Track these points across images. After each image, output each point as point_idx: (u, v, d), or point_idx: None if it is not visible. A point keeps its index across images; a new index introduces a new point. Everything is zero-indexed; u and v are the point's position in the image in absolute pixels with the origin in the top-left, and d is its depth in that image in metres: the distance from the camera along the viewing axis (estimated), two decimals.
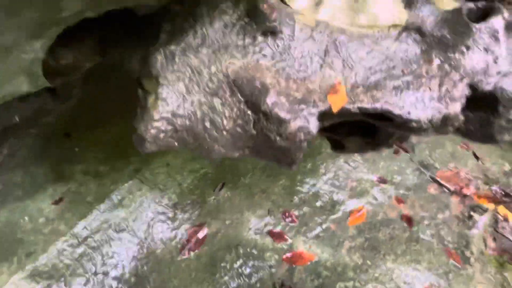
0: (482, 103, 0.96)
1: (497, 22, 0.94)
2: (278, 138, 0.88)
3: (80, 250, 2.10)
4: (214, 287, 2.14)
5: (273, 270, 2.25)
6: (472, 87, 0.93)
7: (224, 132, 0.92)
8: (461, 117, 0.97)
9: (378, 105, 0.91)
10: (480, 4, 1.01)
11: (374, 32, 1.05)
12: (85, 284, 2.04)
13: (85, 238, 2.12)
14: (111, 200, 2.29)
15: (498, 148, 3.14)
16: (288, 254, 2.30)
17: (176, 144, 0.99)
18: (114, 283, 2.10)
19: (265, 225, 2.47)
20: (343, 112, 0.92)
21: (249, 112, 0.88)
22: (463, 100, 0.93)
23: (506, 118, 0.93)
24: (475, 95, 0.94)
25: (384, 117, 0.96)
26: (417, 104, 0.93)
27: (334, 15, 1.07)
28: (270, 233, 2.41)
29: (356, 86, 0.98)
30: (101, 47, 1.16)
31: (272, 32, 1.00)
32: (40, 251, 1.98)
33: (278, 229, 2.46)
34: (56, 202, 2.11)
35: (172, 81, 0.94)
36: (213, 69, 0.96)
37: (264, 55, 1.01)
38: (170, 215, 2.41)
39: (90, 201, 2.21)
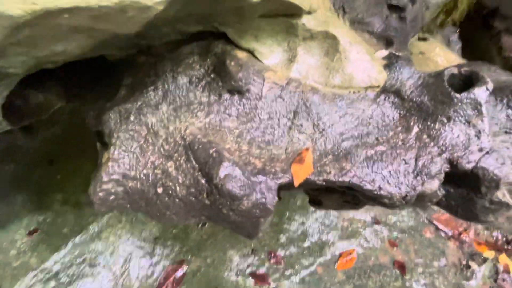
0: (463, 180, 0.86)
1: (480, 93, 0.86)
2: (231, 213, 0.79)
3: (50, 285, 2.00)
4: None
5: None
6: (452, 163, 0.84)
7: (177, 200, 0.84)
8: (439, 194, 0.88)
9: (346, 179, 0.82)
10: (463, 70, 0.93)
11: (350, 93, 0.98)
12: None
13: (56, 273, 2.02)
14: (88, 232, 2.21)
15: None
16: None
17: (128, 206, 0.91)
18: None
19: (248, 265, 2.34)
20: (307, 183, 0.83)
21: (202, 181, 0.80)
22: (442, 177, 0.84)
23: (489, 199, 0.83)
24: (455, 171, 0.85)
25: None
26: (390, 179, 0.84)
27: (308, 73, 1.00)
28: (253, 275, 2.28)
29: (325, 154, 0.89)
30: (65, 92, 1.11)
31: (238, 91, 0.94)
32: (7, 286, 1.89)
33: (262, 270, 2.33)
34: (30, 233, 2.04)
35: (125, 141, 0.87)
36: (171, 128, 0.89)
37: (229, 115, 0.94)
38: (149, 250, 2.31)
39: (66, 232, 2.13)
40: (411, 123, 0.93)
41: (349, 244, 2.54)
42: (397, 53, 1.05)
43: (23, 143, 1.69)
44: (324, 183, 0.84)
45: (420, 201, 0.86)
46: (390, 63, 0.99)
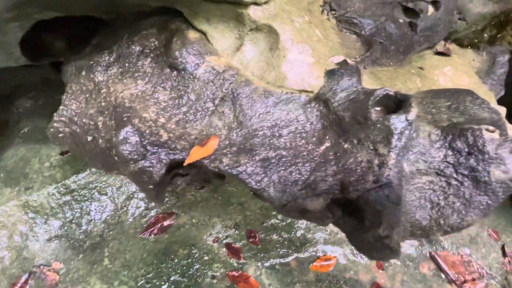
0: (352, 209, 0.81)
1: (395, 121, 0.77)
2: (126, 172, 0.90)
3: (65, 198, 2.44)
4: (156, 273, 2.28)
5: (214, 281, 2.28)
6: (342, 187, 0.80)
7: (98, 150, 0.98)
8: (329, 214, 0.84)
9: (234, 172, 0.85)
10: (399, 94, 0.83)
11: (282, 92, 0.97)
12: (59, 228, 2.37)
13: (72, 190, 2.45)
14: None
15: None
16: (235, 273, 2.29)
17: (75, 146, 1.09)
18: (82, 236, 2.39)
19: (227, 236, 2.49)
20: (201, 166, 0.89)
21: (114, 139, 0.92)
22: (328, 197, 0.81)
23: (373, 234, 0.77)
24: (343, 196, 0.80)
25: None
26: (277, 184, 0.85)
27: (249, 64, 1.02)
28: (228, 246, 2.43)
29: (232, 145, 0.93)
30: (69, 42, 1.32)
31: (176, 68, 1.01)
32: (36, 189, 2.37)
33: (237, 245, 2.46)
34: (62, 153, 2.49)
35: (75, 91, 1.03)
36: (112, 89, 1.02)
37: (164, 88, 1.02)
38: None
39: (87, 161, 2.53)
40: (326, 137, 0.89)
41: (333, 250, 2.48)
42: (351, 62, 0.98)
43: (54, 78, 2.04)
44: (215, 169, 0.88)
45: (304, 214, 0.85)
46: (331, 71, 0.93)
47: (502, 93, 1.61)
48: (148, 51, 1.05)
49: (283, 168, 0.86)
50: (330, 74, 0.93)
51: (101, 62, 1.03)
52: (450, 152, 0.84)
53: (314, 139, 0.90)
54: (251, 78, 1.00)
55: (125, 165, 0.87)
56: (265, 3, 0.97)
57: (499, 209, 2.70)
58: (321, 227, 2.53)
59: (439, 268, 2.38)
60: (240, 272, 2.30)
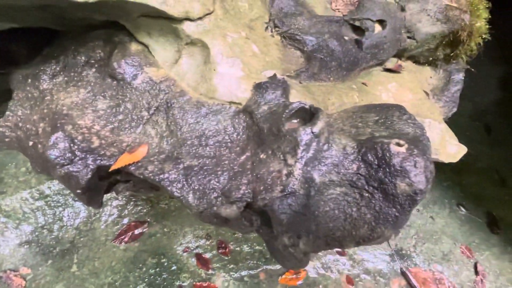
0: (267, 217, 0.84)
1: (301, 133, 0.81)
2: (55, 176, 0.94)
3: (39, 203, 2.46)
4: (123, 281, 2.28)
5: None
6: (254, 195, 0.82)
7: (37, 155, 1.02)
8: (246, 222, 0.86)
9: (157, 179, 0.88)
10: (312, 107, 0.87)
11: (213, 104, 1.01)
12: (30, 233, 2.39)
13: (46, 196, 2.48)
14: None
15: None
16: (203, 284, 2.29)
17: (20, 150, 1.13)
18: (52, 241, 2.41)
19: (197, 246, 2.49)
20: (128, 173, 0.92)
21: (45, 144, 0.96)
22: (241, 205, 0.83)
23: (280, 242, 0.79)
24: (254, 204, 0.83)
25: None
26: (196, 192, 0.88)
27: (185, 76, 1.06)
28: (197, 256, 2.43)
29: (161, 152, 0.96)
30: (28, 50, 1.38)
31: (115, 78, 1.06)
32: (10, 193, 2.40)
33: (207, 255, 2.46)
34: None
35: (21, 98, 1.08)
36: (55, 97, 1.07)
37: (104, 96, 1.07)
38: (122, 203, 2.62)
39: None
40: (248, 147, 0.92)
41: None
42: (279, 77, 1.02)
43: None
44: (141, 176, 0.92)
45: (223, 222, 0.87)
46: (258, 84, 0.98)
47: (455, 109, 1.64)
48: (93, 61, 1.11)
49: (203, 176, 0.89)
50: (257, 87, 0.97)
51: (47, 71, 1.08)
52: (362, 165, 0.87)
53: (237, 149, 0.93)
54: (186, 89, 1.04)
55: (54, 169, 0.91)
56: (199, 18, 1.03)
57: (474, 226, 2.69)
58: None
59: (410, 285, 2.36)
60: (207, 283, 2.30)
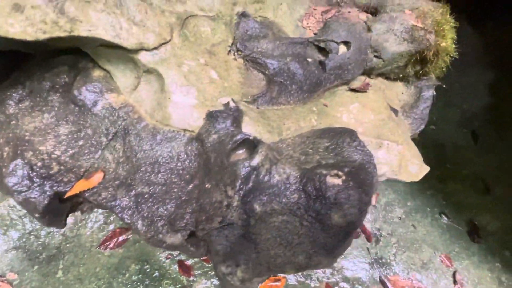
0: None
1: (239, 166, 0.85)
2: (15, 200, 0.99)
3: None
4: (106, 287, 2.33)
5: None
6: (196, 225, 0.86)
7: (1, 179, 1.07)
8: (192, 248, 0.91)
9: (109, 205, 0.93)
10: (255, 139, 0.91)
11: (169, 131, 1.05)
12: (18, 239, 2.45)
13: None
14: None
15: (491, 274, 2.50)
16: None
17: None
18: (39, 247, 2.47)
19: (180, 253, 2.53)
20: (83, 198, 0.97)
21: (4, 170, 1.01)
22: (185, 233, 0.88)
23: (220, 271, 0.83)
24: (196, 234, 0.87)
25: None
26: (144, 219, 0.92)
27: (143, 102, 1.10)
28: (179, 263, 2.47)
29: (116, 178, 1.01)
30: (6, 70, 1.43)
31: (77, 104, 1.10)
32: None
33: (189, 262, 2.50)
34: None
35: None
36: (20, 122, 1.12)
37: (66, 122, 1.11)
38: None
39: None
40: (197, 175, 0.96)
41: None
42: (232, 104, 1.06)
43: None
44: (94, 202, 0.96)
45: (170, 247, 0.91)
46: (210, 113, 1.01)
47: (422, 127, 1.66)
48: (58, 86, 1.15)
49: (152, 204, 0.94)
50: (209, 116, 1.01)
51: (14, 96, 1.13)
52: (303, 195, 0.90)
53: (187, 176, 0.97)
54: (143, 116, 1.08)
55: (12, 195, 0.96)
56: (155, 48, 1.06)
57: (455, 235, 2.71)
58: None
59: None
60: None
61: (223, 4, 1.31)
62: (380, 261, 2.54)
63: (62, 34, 0.88)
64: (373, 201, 2.79)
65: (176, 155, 1.02)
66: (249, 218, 0.85)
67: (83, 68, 1.16)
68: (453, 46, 1.57)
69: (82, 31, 0.91)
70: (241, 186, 0.85)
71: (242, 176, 0.85)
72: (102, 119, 1.09)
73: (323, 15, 1.75)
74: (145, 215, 0.92)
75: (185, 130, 1.04)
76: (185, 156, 1.01)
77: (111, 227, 2.57)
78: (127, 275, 2.43)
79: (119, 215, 0.92)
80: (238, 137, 0.91)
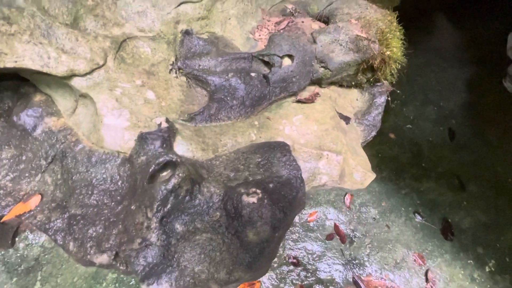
0: None
1: (157, 190, 0.89)
2: None
3: None
4: None
5: None
6: (120, 246, 0.91)
7: None
8: (119, 266, 0.95)
9: (43, 228, 0.97)
10: (177, 162, 0.95)
11: (103, 152, 1.09)
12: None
13: None
14: None
15: (463, 272, 2.54)
16: None
17: None
18: (18, 260, 2.51)
19: None
20: (20, 223, 1.01)
21: None
22: (111, 254, 0.92)
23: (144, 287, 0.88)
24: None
25: None
26: (76, 241, 0.96)
27: (81, 125, 1.14)
28: None
29: (53, 201, 1.05)
30: None
31: (18, 128, 1.14)
32: None
33: None
34: None
35: None
36: None
37: (9, 146, 1.16)
38: None
39: None
40: (127, 196, 1.00)
41: None
42: (164, 125, 1.09)
43: None
44: (30, 225, 1.00)
45: (100, 267, 0.96)
46: (140, 135, 1.05)
47: (374, 133, 1.70)
48: (1, 112, 1.19)
49: (83, 226, 0.98)
50: (139, 137, 1.05)
51: None
52: (224, 213, 0.94)
53: (119, 198, 1.01)
54: (81, 138, 1.13)
55: None
56: (88, 73, 1.10)
57: (428, 233, 2.75)
58: None
59: None
60: None
61: (164, 24, 1.35)
62: (354, 262, 2.58)
63: None
64: (347, 203, 2.84)
65: (110, 176, 1.06)
66: (169, 238, 0.89)
67: (25, 93, 1.20)
68: (400, 53, 1.60)
69: (7, 62, 0.95)
70: (159, 208, 0.89)
71: (159, 198, 0.89)
72: (41, 142, 1.14)
73: (276, 26, 1.78)
74: (76, 236, 0.97)
75: (118, 152, 1.08)
76: (118, 177, 1.05)
77: None
78: (104, 284, 2.47)
79: (52, 237, 0.97)
80: (161, 159, 0.95)
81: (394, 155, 3.19)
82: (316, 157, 1.32)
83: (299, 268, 2.56)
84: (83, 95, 1.12)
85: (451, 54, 4.03)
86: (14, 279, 2.48)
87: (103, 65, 1.14)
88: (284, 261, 2.59)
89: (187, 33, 1.40)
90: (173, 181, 0.91)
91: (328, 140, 1.39)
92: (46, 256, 2.60)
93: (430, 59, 3.97)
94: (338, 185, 1.37)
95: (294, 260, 2.57)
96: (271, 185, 1.03)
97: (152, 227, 0.89)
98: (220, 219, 0.93)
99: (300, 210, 1.08)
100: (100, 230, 0.96)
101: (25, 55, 0.98)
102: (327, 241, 2.64)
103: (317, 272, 2.56)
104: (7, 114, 1.21)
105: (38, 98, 1.19)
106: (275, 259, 2.55)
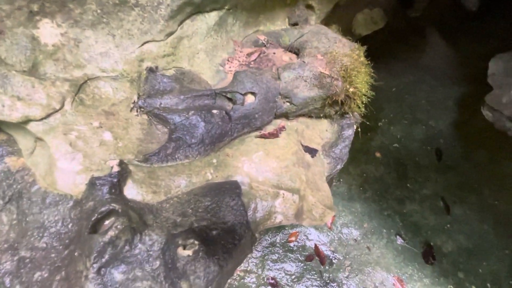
0: None
1: (93, 242, 0.92)
2: None
3: None
4: None
5: None
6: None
7: None
8: None
9: None
10: (119, 212, 0.98)
11: (57, 194, 1.13)
12: None
13: None
14: None
15: None
16: None
17: None
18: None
19: None
20: None
21: None
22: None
23: None
24: None
25: None
26: (22, 284, 1.00)
27: (38, 166, 1.19)
28: None
29: (6, 241, 1.09)
30: None
31: None
32: None
33: None
34: None
35: None
36: None
37: None
38: None
39: None
40: (73, 241, 1.04)
41: None
42: (115, 168, 1.13)
43: None
44: None
45: None
46: (90, 180, 1.09)
47: (339, 167, 1.71)
48: None
49: (30, 269, 1.02)
50: (89, 182, 1.09)
51: None
52: (162, 263, 0.97)
53: (67, 241, 1.05)
54: (37, 179, 1.17)
55: None
56: (45, 118, 1.15)
57: (409, 257, 2.73)
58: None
59: None
60: None
61: (128, 63, 1.39)
62: (332, 284, 2.59)
63: None
64: (329, 224, 2.84)
65: (61, 218, 1.10)
66: (106, 286, 0.92)
67: None
68: (365, 89, 1.62)
69: None
70: (96, 260, 0.92)
71: (97, 250, 0.92)
72: (1, 182, 1.18)
73: (248, 58, 1.81)
74: (23, 280, 1.00)
75: (70, 195, 1.12)
76: (69, 220, 1.09)
77: None
78: None
79: (0, 280, 1.01)
80: (103, 208, 0.98)
81: (379, 175, 3.19)
82: (273, 195, 1.34)
83: None
84: (39, 138, 1.17)
85: (442, 72, 4.01)
86: None
87: (60, 109, 1.18)
88: (262, 282, 2.61)
89: (151, 70, 1.44)
90: (110, 233, 0.94)
91: (286, 177, 1.41)
92: None
93: (420, 77, 3.96)
94: (295, 222, 1.39)
95: (273, 281, 2.58)
96: (214, 232, 1.05)
97: (89, 277, 0.92)
98: (159, 268, 0.96)
99: (244, 257, 1.11)
100: (46, 275, 1.00)
101: None
102: (306, 262, 2.65)
103: None
104: None
105: (0, 137, 1.24)
106: (254, 279, 2.57)
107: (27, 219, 1.13)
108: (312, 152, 1.68)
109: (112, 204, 1.00)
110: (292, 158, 1.49)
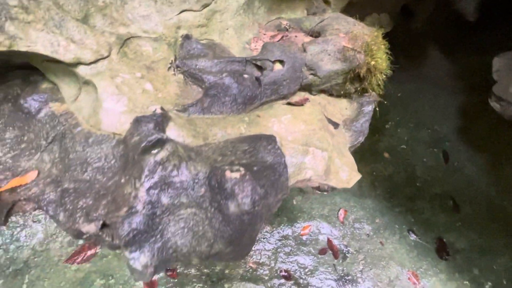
0: None
1: (145, 161, 0.95)
2: None
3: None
4: None
5: None
6: (108, 215, 0.96)
7: None
8: (105, 237, 0.99)
9: (37, 199, 1.03)
10: (167, 139, 1.02)
11: (100, 134, 1.17)
12: None
13: None
14: None
15: None
16: None
17: None
18: (7, 262, 2.50)
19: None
20: (19, 197, 1.07)
21: None
22: (98, 223, 0.96)
23: (124, 256, 0.91)
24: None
25: None
26: (66, 211, 1.01)
27: (81, 110, 1.23)
28: None
29: (49, 176, 1.11)
30: None
31: (23, 111, 1.23)
32: None
33: (154, 277, 2.52)
34: None
35: None
36: None
37: (13, 128, 1.24)
38: None
39: None
40: (118, 172, 1.06)
41: (248, 287, 2.51)
42: (158, 111, 1.18)
43: None
44: (25, 196, 1.06)
45: (88, 239, 1.00)
46: (135, 118, 1.14)
47: (361, 139, 1.77)
48: (10, 97, 1.29)
49: (74, 198, 1.03)
50: (134, 121, 1.13)
51: None
52: (208, 188, 1.00)
53: (110, 174, 1.07)
54: (80, 121, 1.21)
55: None
56: (93, 62, 1.21)
57: (422, 252, 2.71)
58: (237, 264, 2.59)
59: None
60: None
61: (166, 28, 1.48)
62: (347, 277, 2.54)
63: (3, 49, 1.03)
64: (341, 218, 2.84)
65: (104, 155, 1.13)
66: (154, 209, 0.94)
67: (34, 81, 1.31)
68: (385, 64, 1.72)
69: (21, 46, 1.06)
70: (146, 179, 0.95)
71: (147, 169, 0.95)
72: (44, 124, 1.22)
73: (271, 39, 1.92)
74: (67, 207, 1.02)
75: (114, 133, 1.16)
76: (112, 156, 1.12)
77: (82, 241, 2.61)
78: None
79: (44, 208, 1.02)
80: (152, 137, 1.02)
81: (389, 174, 3.23)
82: (302, 152, 1.38)
83: (291, 282, 2.52)
84: (87, 82, 1.22)
85: (443, 81, 4.19)
86: (1, 281, 2.45)
87: (107, 56, 1.25)
88: (276, 274, 2.56)
89: (187, 37, 1.54)
90: (162, 153, 0.98)
91: (314, 138, 1.46)
92: (36, 259, 2.59)
93: (422, 86, 4.12)
94: (324, 181, 1.42)
95: (286, 274, 2.54)
96: (255, 168, 1.09)
97: (139, 196, 0.94)
98: (205, 194, 0.99)
99: (282, 196, 1.13)
100: (90, 202, 1.01)
101: (37, 42, 1.10)
102: (319, 256, 2.61)
103: (309, 287, 2.51)
104: (15, 99, 1.31)
105: (45, 85, 1.30)
106: (266, 272, 2.53)
107: (70, 156, 1.15)
108: (335, 124, 1.74)
109: (160, 134, 1.04)
110: (318, 123, 1.55)
